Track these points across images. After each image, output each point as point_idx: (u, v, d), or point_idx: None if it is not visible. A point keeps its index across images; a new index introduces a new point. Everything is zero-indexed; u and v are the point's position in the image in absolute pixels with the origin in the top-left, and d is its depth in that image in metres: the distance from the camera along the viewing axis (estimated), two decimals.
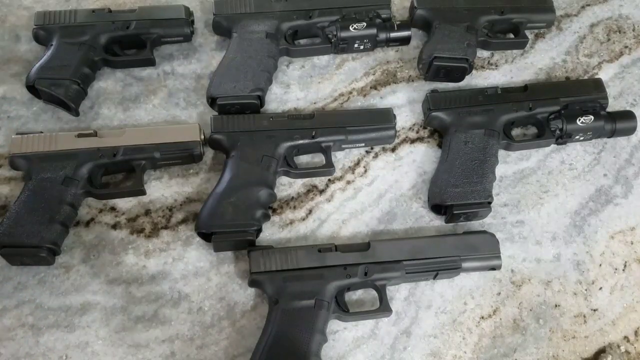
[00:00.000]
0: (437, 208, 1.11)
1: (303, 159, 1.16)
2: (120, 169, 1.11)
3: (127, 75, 1.22)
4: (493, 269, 1.06)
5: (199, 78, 1.23)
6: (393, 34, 1.24)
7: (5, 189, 1.09)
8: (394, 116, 1.16)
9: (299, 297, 0.97)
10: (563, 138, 1.17)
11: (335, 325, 1.02)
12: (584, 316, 1.06)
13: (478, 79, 1.27)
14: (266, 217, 1.07)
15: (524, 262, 1.10)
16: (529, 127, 1.22)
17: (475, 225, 1.12)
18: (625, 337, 1.06)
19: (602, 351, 1.04)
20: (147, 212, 1.10)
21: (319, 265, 1.00)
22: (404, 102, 1.23)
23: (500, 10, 1.25)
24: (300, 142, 1.12)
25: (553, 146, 1.20)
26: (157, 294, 1.03)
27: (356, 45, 1.24)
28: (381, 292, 1.01)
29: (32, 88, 1.14)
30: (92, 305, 1.02)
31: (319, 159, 1.16)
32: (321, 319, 0.96)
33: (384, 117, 1.16)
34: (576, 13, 1.36)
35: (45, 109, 1.17)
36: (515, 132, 1.21)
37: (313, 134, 1.12)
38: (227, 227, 1.03)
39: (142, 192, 1.10)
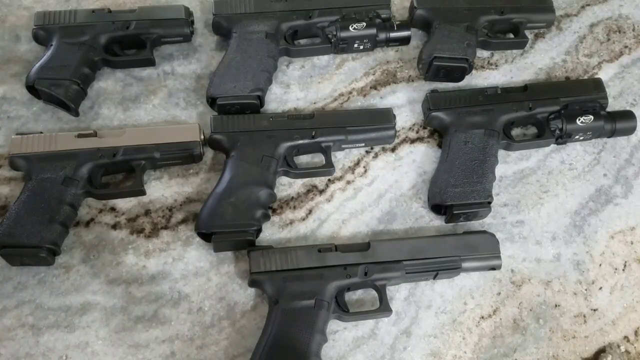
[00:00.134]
0: (437, 208, 1.11)
1: (303, 159, 1.16)
2: (120, 169, 1.11)
3: (127, 76, 1.22)
4: (493, 269, 1.06)
5: (198, 78, 1.23)
6: (393, 34, 1.24)
7: (5, 189, 1.09)
8: (394, 116, 1.16)
9: (299, 297, 0.97)
10: (563, 138, 1.17)
11: (335, 325, 1.02)
12: (584, 316, 1.06)
13: (478, 79, 1.27)
14: (266, 217, 1.07)
15: (524, 262, 1.10)
16: (528, 127, 1.22)
17: (475, 225, 1.12)
18: (625, 337, 1.06)
19: (602, 351, 1.04)
20: (147, 212, 1.10)
21: (319, 265, 1.00)
22: (404, 102, 1.23)
23: (500, 10, 1.25)
24: (300, 142, 1.12)
25: (553, 146, 1.20)
26: (157, 294, 1.03)
27: (356, 45, 1.24)
28: (381, 292, 1.01)
29: (32, 88, 1.14)
30: (92, 305, 1.02)
31: (319, 159, 1.16)
32: (321, 319, 0.96)
33: (384, 117, 1.16)
34: (576, 13, 1.36)
35: (45, 109, 1.17)
36: (515, 132, 1.21)
37: (313, 134, 1.12)
38: (227, 227, 1.03)
39: (142, 192, 1.10)
